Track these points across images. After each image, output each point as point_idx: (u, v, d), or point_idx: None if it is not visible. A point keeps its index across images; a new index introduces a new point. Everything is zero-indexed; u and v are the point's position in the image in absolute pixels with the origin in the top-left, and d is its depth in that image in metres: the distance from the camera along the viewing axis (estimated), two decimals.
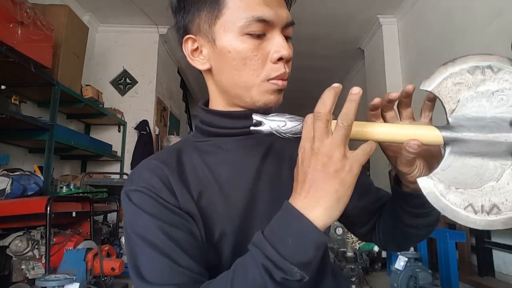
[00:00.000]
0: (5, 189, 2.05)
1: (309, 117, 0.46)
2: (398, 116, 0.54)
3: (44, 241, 1.93)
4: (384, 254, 2.77)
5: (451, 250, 1.94)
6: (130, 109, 4.26)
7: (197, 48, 0.61)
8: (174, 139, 4.39)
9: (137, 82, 4.34)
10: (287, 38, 0.59)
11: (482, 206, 0.42)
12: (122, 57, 4.33)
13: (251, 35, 0.55)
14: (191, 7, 0.59)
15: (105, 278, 1.90)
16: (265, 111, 0.55)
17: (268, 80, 0.57)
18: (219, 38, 0.57)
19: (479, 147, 0.43)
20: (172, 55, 5.00)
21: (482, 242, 2.55)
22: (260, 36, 0.56)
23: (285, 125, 0.48)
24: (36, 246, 1.95)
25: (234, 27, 0.55)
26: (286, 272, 0.42)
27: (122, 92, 4.33)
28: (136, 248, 0.51)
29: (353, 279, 2.29)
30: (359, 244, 2.45)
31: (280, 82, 0.57)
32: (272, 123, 0.49)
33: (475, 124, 0.44)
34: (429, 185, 0.43)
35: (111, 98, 4.13)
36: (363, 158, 0.44)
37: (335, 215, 0.44)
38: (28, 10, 2.29)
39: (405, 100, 0.52)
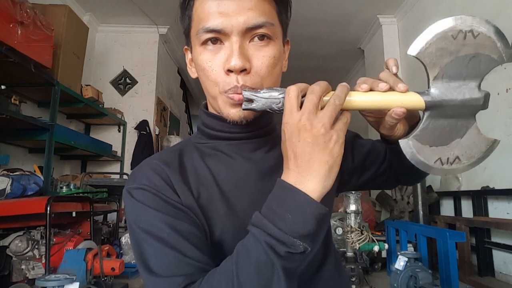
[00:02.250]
0: (5, 189, 2.05)
1: (292, 89, 0.47)
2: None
3: (44, 241, 1.93)
4: (384, 254, 2.76)
5: (451, 250, 1.94)
6: (130, 109, 4.26)
7: (192, 58, 0.63)
8: (174, 139, 4.39)
9: (137, 82, 4.35)
10: (263, 37, 0.55)
11: (448, 159, 0.50)
12: (122, 57, 4.33)
13: (206, 45, 0.55)
14: (184, 17, 0.61)
15: (105, 278, 1.90)
16: (235, 122, 0.56)
17: (225, 92, 0.55)
18: (193, 50, 0.60)
19: (453, 110, 0.49)
20: (172, 55, 5.00)
21: (482, 242, 2.55)
22: (215, 46, 0.55)
23: (279, 102, 0.49)
24: (36, 246, 1.95)
25: (195, 39, 0.57)
26: (289, 246, 0.43)
27: (122, 92, 4.33)
28: (143, 242, 0.52)
29: (353, 279, 2.29)
30: (359, 244, 2.44)
31: (235, 97, 0.53)
32: (265, 101, 0.49)
33: (451, 89, 0.49)
34: (408, 145, 0.50)
35: (111, 98, 4.13)
36: (345, 127, 0.47)
37: (328, 184, 0.46)
38: (28, 10, 2.30)
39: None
